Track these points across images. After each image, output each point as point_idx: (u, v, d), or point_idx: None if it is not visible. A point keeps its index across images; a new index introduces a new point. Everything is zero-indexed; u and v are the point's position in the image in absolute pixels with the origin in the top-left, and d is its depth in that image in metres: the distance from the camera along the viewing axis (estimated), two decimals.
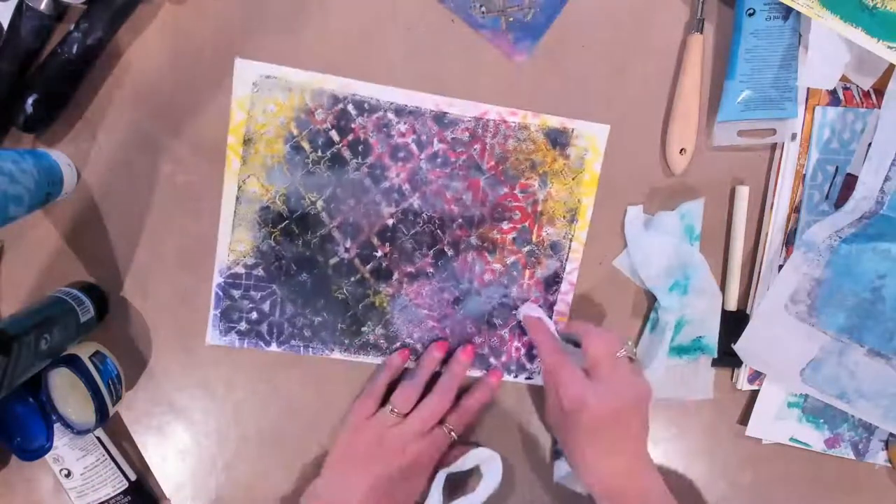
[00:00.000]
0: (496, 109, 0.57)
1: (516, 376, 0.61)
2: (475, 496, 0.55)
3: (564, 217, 0.59)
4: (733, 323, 0.60)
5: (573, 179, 0.59)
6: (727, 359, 0.61)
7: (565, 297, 0.60)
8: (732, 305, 0.61)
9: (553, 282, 0.60)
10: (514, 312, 0.60)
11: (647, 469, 0.53)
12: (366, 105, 0.56)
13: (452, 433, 0.56)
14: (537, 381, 0.61)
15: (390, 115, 0.56)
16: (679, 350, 0.61)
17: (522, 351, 0.61)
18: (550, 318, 0.60)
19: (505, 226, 0.59)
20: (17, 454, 0.53)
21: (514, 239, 0.59)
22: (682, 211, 0.60)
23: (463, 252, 0.59)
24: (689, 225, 0.60)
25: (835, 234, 0.56)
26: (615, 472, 0.52)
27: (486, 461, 0.57)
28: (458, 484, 0.59)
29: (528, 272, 0.60)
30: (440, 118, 0.57)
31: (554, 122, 0.58)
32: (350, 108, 0.56)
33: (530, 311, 0.59)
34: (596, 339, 0.54)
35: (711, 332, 0.60)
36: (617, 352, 0.54)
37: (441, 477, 0.55)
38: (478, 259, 0.59)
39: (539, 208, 0.59)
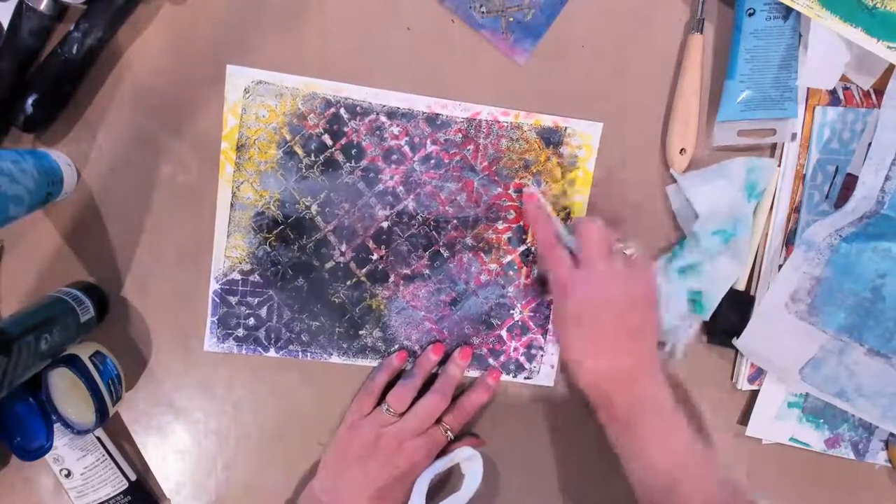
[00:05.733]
0: (488, 109, 0.57)
1: (515, 376, 0.61)
2: (457, 497, 0.55)
3: (559, 215, 0.59)
4: (736, 302, 0.59)
5: (567, 178, 0.59)
6: (722, 336, 0.60)
7: None
8: (741, 287, 0.60)
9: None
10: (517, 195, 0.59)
11: (645, 376, 0.49)
12: (358, 108, 0.56)
13: (449, 432, 0.56)
14: (536, 380, 0.61)
15: (383, 118, 0.56)
16: None
17: (521, 351, 0.61)
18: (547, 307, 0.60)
19: (500, 226, 0.59)
20: (17, 454, 0.53)
21: (509, 239, 0.59)
22: (752, 164, 0.57)
23: (458, 253, 0.59)
24: (754, 181, 0.58)
25: (835, 233, 0.56)
26: (601, 374, 0.49)
27: (467, 461, 0.57)
28: (440, 484, 0.59)
29: (524, 271, 0.59)
30: (433, 120, 0.57)
31: (546, 120, 0.57)
32: (342, 111, 0.56)
33: (532, 190, 0.57)
34: (586, 227, 0.52)
35: (712, 295, 0.58)
36: (611, 243, 0.51)
37: (423, 480, 0.54)
38: (473, 259, 0.59)
39: None
